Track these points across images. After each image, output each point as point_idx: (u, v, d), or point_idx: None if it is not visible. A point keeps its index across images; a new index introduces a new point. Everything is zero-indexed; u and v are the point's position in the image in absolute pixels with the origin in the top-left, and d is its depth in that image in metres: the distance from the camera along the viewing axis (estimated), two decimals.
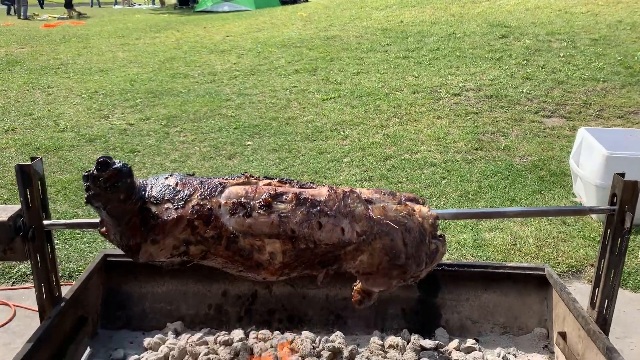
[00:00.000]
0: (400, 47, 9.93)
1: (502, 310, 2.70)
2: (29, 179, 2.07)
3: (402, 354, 2.47)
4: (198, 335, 2.58)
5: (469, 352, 2.52)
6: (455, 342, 2.57)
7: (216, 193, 1.88)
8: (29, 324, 3.12)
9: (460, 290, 2.71)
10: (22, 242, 2.12)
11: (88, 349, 2.54)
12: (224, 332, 2.61)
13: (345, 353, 2.46)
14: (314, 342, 2.53)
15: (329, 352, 2.45)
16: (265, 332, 2.60)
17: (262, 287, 2.73)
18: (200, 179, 1.93)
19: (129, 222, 1.83)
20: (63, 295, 2.35)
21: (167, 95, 8.16)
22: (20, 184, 2.07)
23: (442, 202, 4.68)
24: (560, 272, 3.70)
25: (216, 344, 2.51)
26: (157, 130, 6.67)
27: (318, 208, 1.86)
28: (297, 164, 5.58)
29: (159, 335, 2.59)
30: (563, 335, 2.44)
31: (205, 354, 2.41)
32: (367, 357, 2.44)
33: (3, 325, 3.17)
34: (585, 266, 3.77)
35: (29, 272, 3.62)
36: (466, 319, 2.71)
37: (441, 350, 2.54)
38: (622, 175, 2.11)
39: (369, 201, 1.95)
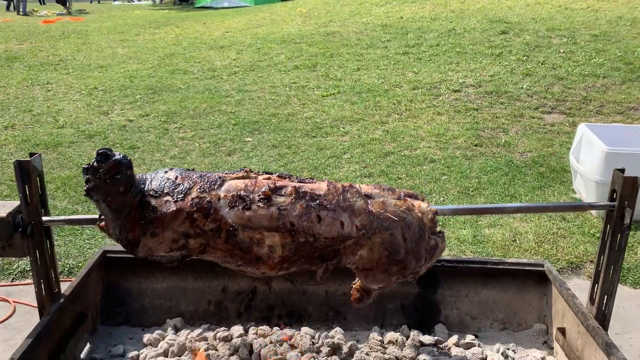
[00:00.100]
0: (400, 43, 9.91)
1: (502, 306, 2.70)
2: (28, 175, 2.07)
3: (402, 350, 2.47)
4: (198, 331, 2.58)
5: (468, 348, 2.53)
6: (454, 338, 2.57)
7: (216, 186, 1.88)
8: (29, 320, 3.13)
9: (460, 286, 2.71)
10: (21, 239, 2.12)
11: (88, 345, 2.54)
12: (223, 328, 2.62)
13: (345, 349, 2.46)
14: (313, 337, 2.54)
15: (329, 348, 2.45)
16: (264, 328, 2.60)
17: (262, 283, 2.73)
18: (200, 173, 1.94)
19: (128, 215, 1.82)
20: (62, 292, 2.35)
21: (166, 91, 8.15)
22: (19, 180, 2.07)
23: (441, 198, 4.68)
24: (560, 268, 3.70)
25: (216, 339, 2.51)
26: (157, 126, 6.66)
27: (317, 201, 1.86)
28: (296, 160, 5.57)
29: (159, 331, 2.60)
30: (562, 331, 2.44)
31: (205, 350, 2.41)
32: (367, 353, 2.44)
33: (3, 321, 3.17)
34: (585, 262, 3.77)
35: (28, 269, 3.62)
36: (465, 314, 2.71)
37: (440, 346, 2.54)
38: (622, 171, 2.11)
39: (368, 196, 1.95)
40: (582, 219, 4.32)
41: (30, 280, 3.54)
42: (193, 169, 2.02)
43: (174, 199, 1.84)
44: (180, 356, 2.43)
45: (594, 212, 4.37)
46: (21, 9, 19.43)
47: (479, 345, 2.55)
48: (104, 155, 1.78)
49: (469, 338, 2.59)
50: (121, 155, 1.81)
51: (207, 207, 1.83)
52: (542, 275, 2.64)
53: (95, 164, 1.78)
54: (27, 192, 2.08)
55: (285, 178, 1.96)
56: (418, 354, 2.44)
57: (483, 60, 8.59)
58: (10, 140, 6.19)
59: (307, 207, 1.84)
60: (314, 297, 2.74)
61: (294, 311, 2.75)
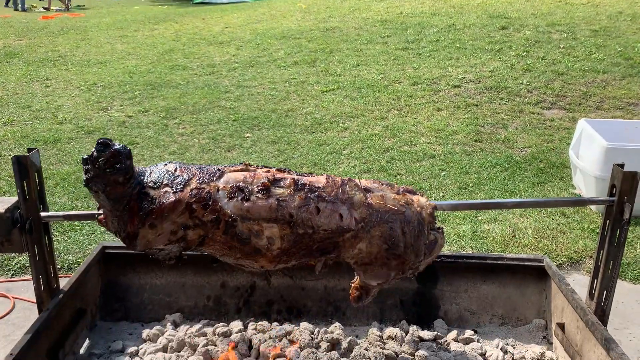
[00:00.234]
0: (399, 39, 9.89)
1: (501, 302, 2.70)
2: (26, 170, 2.07)
3: (401, 345, 2.47)
4: (197, 326, 2.58)
5: (467, 343, 2.53)
6: (453, 333, 2.58)
7: (215, 178, 1.89)
8: (28, 315, 3.13)
9: (459, 281, 2.72)
10: (19, 234, 2.12)
11: (87, 341, 2.55)
12: (222, 323, 2.62)
13: (344, 344, 2.46)
14: (312, 333, 2.54)
15: (328, 343, 2.45)
16: (264, 324, 2.60)
17: (261, 278, 2.73)
18: (199, 166, 1.95)
19: (127, 206, 1.83)
20: (61, 287, 2.35)
21: (165, 87, 8.13)
22: (17, 176, 2.06)
23: (441, 194, 4.68)
24: (559, 263, 3.70)
25: (215, 335, 2.52)
26: (156, 122, 6.65)
27: (316, 193, 1.86)
28: (296, 156, 5.57)
29: (158, 327, 2.60)
30: (562, 326, 2.44)
31: (204, 345, 2.41)
32: (366, 348, 2.44)
33: (2, 317, 3.17)
34: (584, 257, 3.77)
35: (28, 264, 3.62)
36: (465, 310, 2.72)
37: (440, 341, 2.54)
38: (622, 166, 2.10)
39: (367, 190, 1.95)
40: (581, 214, 4.32)
41: (29, 276, 3.52)
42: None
43: (173, 189, 1.84)
44: (179, 351, 2.43)
45: (593, 207, 4.37)
46: (19, 5, 19.36)
47: (478, 341, 2.55)
48: (104, 145, 1.79)
49: (468, 333, 2.59)
50: (121, 145, 1.82)
51: (206, 198, 1.83)
52: (541, 270, 2.64)
53: (95, 153, 1.78)
54: (25, 188, 2.08)
55: (284, 172, 1.96)
56: (417, 349, 2.44)
57: (483, 55, 8.57)
58: (9, 136, 6.18)
59: (306, 198, 1.84)
60: (313, 293, 2.74)
61: (293, 306, 2.75)
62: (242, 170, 1.93)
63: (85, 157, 1.80)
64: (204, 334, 2.52)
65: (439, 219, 4.17)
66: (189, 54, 10.18)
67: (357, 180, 1.97)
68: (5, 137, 6.16)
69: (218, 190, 1.85)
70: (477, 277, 2.71)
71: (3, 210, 2.06)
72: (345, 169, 5.24)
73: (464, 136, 5.98)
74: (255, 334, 2.53)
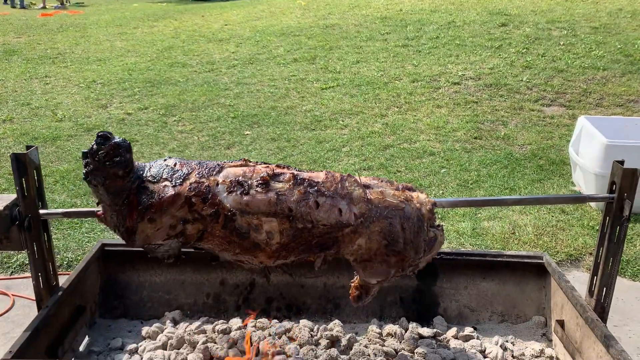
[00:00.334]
0: (399, 36, 9.87)
1: (501, 299, 2.70)
2: (25, 167, 2.06)
3: (401, 342, 2.47)
4: (196, 324, 2.58)
5: (467, 340, 2.53)
6: (453, 330, 2.58)
7: (214, 172, 1.89)
8: (28, 313, 3.13)
9: (459, 278, 2.71)
10: (18, 232, 2.11)
11: (86, 338, 2.55)
12: (222, 320, 2.62)
13: (344, 341, 2.46)
14: (312, 330, 2.54)
15: (327, 341, 2.45)
16: (263, 321, 2.60)
17: (260, 276, 2.72)
18: (199, 161, 1.95)
19: (126, 200, 1.83)
20: (61, 285, 2.35)
21: (165, 84, 8.12)
22: (15, 173, 2.06)
23: (441, 191, 4.68)
24: (559, 260, 3.70)
25: (214, 332, 2.51)
26: (156, 119, 6.65)
27: (315, 188, 1.86)
28: (295, 154, 5.56)
29: (157, 324, 2.60)
30: (561, 323, 2.44)
31: (204, 343, 2.41)
32: (365, 346, 2.44)
33: (2, 314, 3.17)
34: (584, 255, 3.77)
35: (27, 262, 3.61)
36: (464, 307, 2.72)
37: (439, 338, 2.54)
38: (622, 163, 2.10)
39: (366, 186, 1.95)
40: (581, 211, 4.32)
41: (29, 274, 3.53)
42: None
43: (172, 183, 1.85)
44: (179, 349, 2.43)
45: (593, 204, 4.37)
46: (18, 3, 19.31)
47: (477, 338, 2.55)
48: (104, 138, 1.80)
49: (468, 330, 2.59)
50: (121, 139, 1.83)
51: (205, 192, 1.83)
52: (541, 267, 2.64)
53: (94, 146, 1.79)
54: (24, 185, 2.08)
55: (283, 168, 1.96)
56: (417, 347, 2.44)
57: (483, 52, 8.56)
58: (9, 134, 6.17)
59: (305, 193, 1.84)
60: (312, 290, 2.73)
61: (293, 304, 2.75)
62: (241, 165, 1.93)
63: (85, 151, 1.81)
64: (204, 332, 2.52)
65: (439, 216, 4.17)
66: (188, 51, 10.16)
67: (356, 177, 1.97)
68: (4, 135, 6.15)
69: (217, 185, 1.85)
70: (477, 274, 2.71)
71: (2, 208, 2.06)
72: (344, 166, 5.23)
73: (464, 133, 5.98)
74: (254, 331, 2.53)
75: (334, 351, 2.37)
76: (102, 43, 11.30)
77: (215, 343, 2.43)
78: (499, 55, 8.40)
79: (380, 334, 2.55)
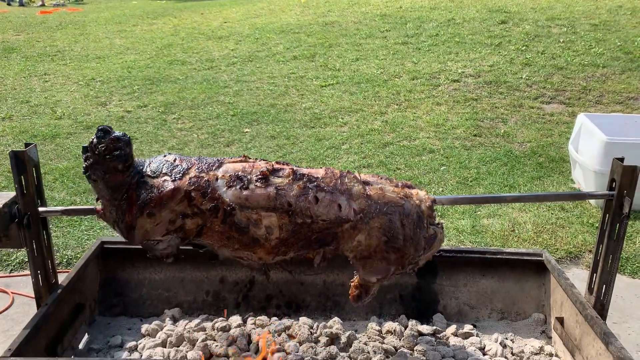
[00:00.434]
0: (399, 33, 9.86)
1: (500, 296, 2.70)
2: (24, 165, 2.06)
3: (400, 340, 2.47)
4: (196, 321, 2.58)
5: (466, 338, 2.53)
6: (452, 328, 2.58)
7: (214, 167, 1.89)
8: (27, 311, 3.13)
9: (458, 276, 2.71)
10: (17, 229, 2.11)
11: (86, 336, 2.55)
12: (221, 318, 2.61)
13: (343, 339, 2.46)
14: (311, 328, 2.54)
15: (327, 338, 2.45)
16: (263, 318, 2.60)
17: (260, 273, 2.72)
18: (198, 157, 1.96)
19: (125, 194, 1.83)
20: (60, 283, 2.35)
21: (164, 82, 8.11)
22: (14, 171, 2.06)
23: (440, 189, 4.67)
24: (559, 258, 3.70)
25: (214, 330, 2.51)
26: (155, 117, 6.64)
27: (315, 183, 1.86)
28: (295, 151, 5.56)
29: (157, 322, 2.60)
30: (561, 320, 2.44)
31: (203, 340, 2.41)
32: (365, 343, 2.44)
33: (1, 312, 3.17)
34: (584, 252, 3.77)
35: (27, 260, 3.60)
36: (464, 304, 2.72)
37: (439, 335, 2.54)
38: (621, 160, 2.10)
39: (366, 183, 1.95)
40: (581, 208, 4.32)
41: (28, 271, 3.53)
42: None
43: (172, 178, 1.85)
44: (178, 346, 2.43)
45: (592, 201, 4.37)
46: (17, 0, 19.27)
47: (477, 335, 2.55)
48: (104, 131, 1.81)
49: (468, 328, 2.59)
50: (121, 133, 1.84)
51: (204, 186, 1.84)
52: (540, 265, 2.64)
53: (95, 140, 1.80)
54: (23, 183, 2.07)
55: (282, 164, 1.96)
56: (416, 344, 2.44)
57: (482, 50, 8.55)
58: (8, 132, 6.17)
59: (305, 188, 1.84)
60: (312, 287, 2.73)
61: (292, 301, 2.75)
62: (240, 161, 1.94)
63: (85, 145, 1.82)
64: (203, 329, 2.52)
65: (438, 213, 4.17)
66: (187, 49, 10.14)
67: (355, 173, 1.97)
68: (3, 133, 6.15)
69: (217, 179, 1.86)
70: (476, 272, 2.71)
71: (1, 206, 2.05)
72: (344, 163, 5.23)
73: (464, 131, 5.97)
74: (254, 328, 2.53)
75: (333, 348, 2.37)
76: (101, 41, 11.28)
77: (214, 340, 2.43)
78: (499, 52, 8.39)
79: (380, 331, 2.55)
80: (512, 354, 2.45)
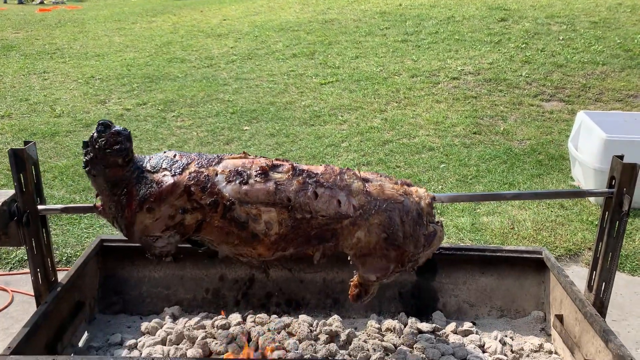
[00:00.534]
0: (398, 31, 9.85)
1: (500, 294, 2.71)
2: (23, 163, 2.06)
3: (400, 337, 2.47)
4: (195, 319, 2.58)
5: (466, 335, 2.53)
6: (452, 325, 2.58)
7: (213, 163, 1.90)
8: (27, 309, 3.13)
9: (458, 273, 2.71)
10: (16, 227, 2.11)
11: (86, 334, 2.55)
12: (221, 316, 2.61)
13: (343, 336, 2.46)
14: (311, 325, 2.54)
15: (326, 336, 2.45)
16: (262, 316, 2.60)
17: (260, 271, 2.72)
18: (198, 153, 1.96)
19: (125, 189, 1.83)
20: (60, 280, 2.35)
21: (164, 80, 8.10)
22: (13, 169, 2.05)
23: (440, 187, 4.67)
24: (558, 255, 3.70)
25: (214, 328, 2.51)
26: (154, 115, 6.63)
27: (314, 179, 1.86)
28: (294, 149, 5.56)
29: (157, 320, 2.60)
30: (560, 318, 2.44)
31: (203, 338, 2.41)
32: (365, 340, 2.45)
33: (1, 310, 3.17)
34: (583, 249, 3.77)
35: (26, 258, 3.60)
36: (463, 302, 2.72)
37: (438, 333, 2.54)
38: (621, 157, 2.10)
39: (365, 180, 1.95)
40: (580, 206, 4.32)
41: (28, 269, 3.53)
42: None
43: (171, 173, 1.85)
44: (178, 344, 2.43)
45: (592, 199, 4.37)
46: None
47: (476, 333, 2.56)
48: (105, 126, 1.82)
49: (467, 325, 2.59)
50: (121, 127, 1.85)
51: (204, 181, 1.84)
52: (540, 262, 2.64)
53: (95, 134, 1.81)
54: (22, 181, 2.07)
55: (282, 161, 1.96)
56: (416, 341, 2.44)
57: (482, 47, 8.54)
58: (7, 130, 6.16)
59: (304, 183, 1.85)
60: (311, 285, 2.73)
61: (292, 299, 2.75)
62: (240, 158, 1.94)
63: (86, 140, 1.83)
64: (203, 327, 2.52)
65: (438, 211, 4.17)
66: (187, 47, 10.13)
67: (355, 170, 1.97)
68: (2, 131, 6.14)
69: (217, 174, 1.86)
70: (476, 269, 2.71)
71: (0, 204, 2.05)
72: (344, 161, 5.23)
73: (463, 128, 5.97)
74: (254, 326, 2.53)
75: (333, 346, 2.37)
76: (100, 38, 11.27)
77: (214, 338, 2.43)
78: (498, 50, 8.39)
79: (380, 329, 2.55)
80: (512, 351, 2.45)
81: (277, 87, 7.63)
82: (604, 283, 2.20)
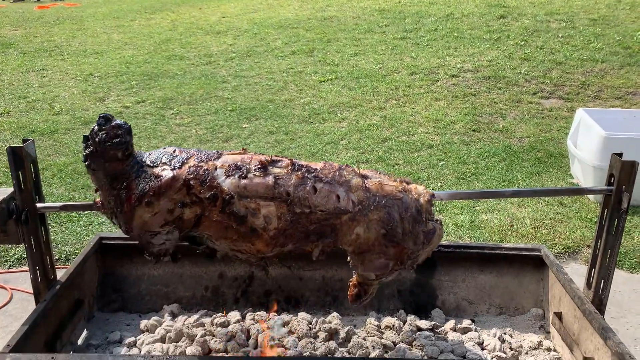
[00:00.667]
0: (397, 28, 9.84)
1: (499, 291, 2.71)
2: (21, 160, 2.05)
3: (399, 335, 2.48)
4: (195, 317, 2.58)
5: (465, 333, 2.53)
6: (451, 323, 2.58)
7: (213, 158, 1.90)
8: (26, 307, 3.13)
9: (457, 271, 2.72)
10: (15, 225, 2.11)
11: (85, 332, 2.55)
12: (220, 314, 2.62)
13: (342, 334, 2.47)
14: (310, 323, 2.54)
15: (326, 333, 2.45)
16: (262, 314, 2.60)
17: (259, 269, 2.72)
18: (198, 149, 1.97)
19: (124, 183, 1.84)
20: (59, 278, 2.35)
21: (162, 77, 8.09)
22: (12, 166, 2.05)
23: (439, 184, 4.67)
24: (557, 253, 3.71)
25: (213, 325, 2.52)
26: (153, 112, 6.62)
27: (314, 174, 1.87)
28: (294, 147, 5.55)
29: (156, 318, 2.60)
30: (559, 315, 2.45)
31: (202, 336, 2.42)
32: (364, 338, 2.45)
33: (0, 308, 3.17)
34: (582, 247, 3.77)
35: (25, 256, 3.60)
36: (462, 299, 2.72)
37: (437, 330, 2.55)
38: (620, 155, 2.10)
39: (365, 176, 1.95)
40: (579, 203, 4.32)
41: (27, 267, 3.53)
42: None
43: (171, 167, 1.86)
44: (177, 342, 2.43)
45: (591, 197, 4.37)
46: None
47: (475, 330, 2.56)
48: (105, 119, 1.82)
49: (466, 323, 2.59)
50: (122, 121, 1.85)
51: (203, 175, 1.84)
52: (539, 260, 2.64)
53: (96, 127, 1.81)
54: (21, 179, 2.07)
55: (281, 158, 1.97)
56: (415, 339, 2.44)
57: (481, 45, 8.53)
58: (6, 127, 6.15)
59: (303, 178, 1.85)
60: (311, 283, 2.74)
61: (291, 297, 2.75)
62: (239, 154, 1.95)
63: (86, 134, 1.84)
64: (202, 325, 2.52)
65: (437, 209, 4.17)
66: (185, 44, 10.11)
67: (354, 167, 1.97)
68: (1, 128, 6.13)
69: (216, 169, 1.87)
70: (475, 267, 2.71)
71: None
72: (343, 159, 5.23)
73: (462, 126, 5.97)
74: (253, 324, 2.53)
75: (332, 344, 2.37)
76: (99, 36, 11.24)
77: (213, 336, 2.44)
78: (498, 47, 8.38)
79: (379, 326, 2.55)
80: (511, 348, 2.46)
81: (276, 84, 7.62)
82: (602, 280, 2.21)
